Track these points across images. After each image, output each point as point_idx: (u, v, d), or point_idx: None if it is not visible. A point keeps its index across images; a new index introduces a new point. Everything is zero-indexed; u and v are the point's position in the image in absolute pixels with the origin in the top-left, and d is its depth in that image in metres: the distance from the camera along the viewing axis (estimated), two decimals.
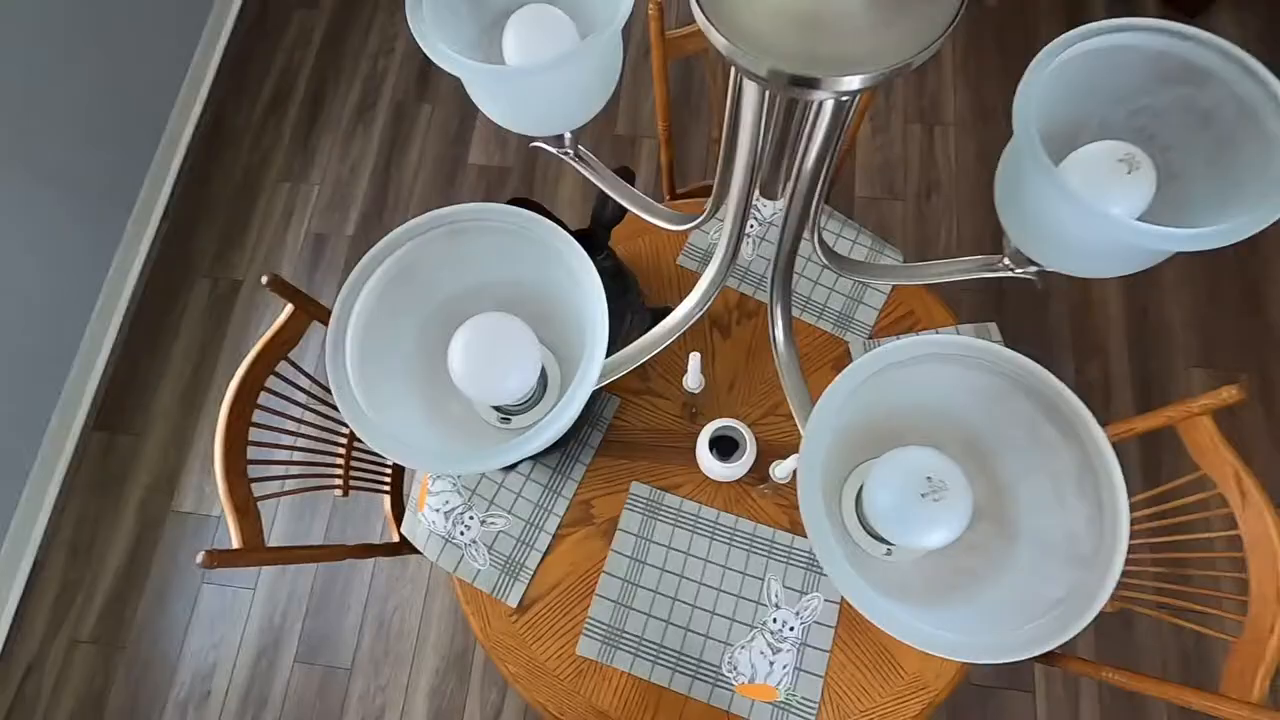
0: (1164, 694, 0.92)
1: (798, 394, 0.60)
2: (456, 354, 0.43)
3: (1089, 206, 0.32)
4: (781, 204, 1.30)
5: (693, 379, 1.00)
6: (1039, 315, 1.87)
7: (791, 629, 1.04)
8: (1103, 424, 0.39)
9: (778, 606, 1.05)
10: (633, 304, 1.09)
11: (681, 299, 1.26)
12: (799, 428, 0.56)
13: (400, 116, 2.22)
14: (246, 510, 0.95)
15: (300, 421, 1.12)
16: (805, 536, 1.09)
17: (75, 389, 1.91)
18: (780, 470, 0.96)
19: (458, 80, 0.50)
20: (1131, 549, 1.12)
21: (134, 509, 1.84)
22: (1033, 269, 0.51)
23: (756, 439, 1.05)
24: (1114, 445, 0.38)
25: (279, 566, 1.77)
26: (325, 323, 1.12)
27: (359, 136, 2.21)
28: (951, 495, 0.40)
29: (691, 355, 0.91)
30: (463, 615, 1.69)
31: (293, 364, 1.11)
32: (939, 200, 2.00)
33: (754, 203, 1.32)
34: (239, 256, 2.09)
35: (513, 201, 1.00)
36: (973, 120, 2.08)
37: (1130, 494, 0.41)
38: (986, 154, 2.04)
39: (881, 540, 0.50)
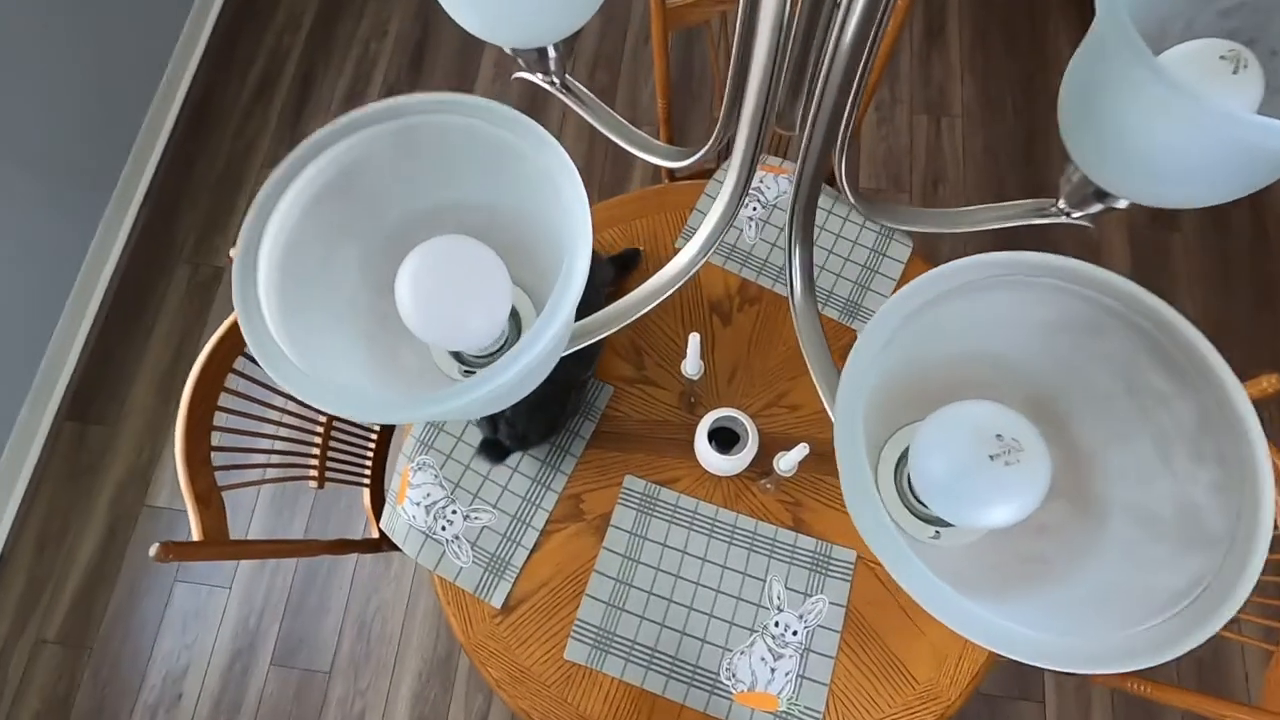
0: (1198, 707, 0.85)
1: (818, 356, 0.53)
2: (405, 285, 0.35)
3: (1202, 100, 0.25)
4: (786, 182, 1.24)
5: (691, 364, 0.93)
6: None
7: (794, 633, 0.97)
8: None
9: (780, 609, 0.99)
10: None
11: (682, 287, 1.20)
12: (821, 395, 0.49)
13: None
14: (209, 501, 0.88)
15: (270, 407, 1.05)
16: (810, 535, 1.02)
17: (48, 378, 1.84)
18: (785, 462, 0.90)
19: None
20: None
21: (106, 503, 1.76)
22: (1094, 209, 0.44)
23: (759, 431, 0.99)
24: None
25: (256, 564, 1.69)
26: None
27: None
28: (1028, 457, 0.32)
29: (691, 337, 0.84)
30: (450, 628, 1.62)
31: None
32: (946, 192, 1.94)
33: (761, 183, 1.26)
34: (221, 243, 2.02)
35: None
36: (980, 112, 2.02)
37: None
38: (995, 146, 1.98)
39: (929, 521, 0.43)
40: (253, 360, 1.04)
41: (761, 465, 1.05)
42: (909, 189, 1.95)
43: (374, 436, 1.28)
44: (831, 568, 1.00)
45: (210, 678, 1.62)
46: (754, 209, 1.21)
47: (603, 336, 0.51)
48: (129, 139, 2.04)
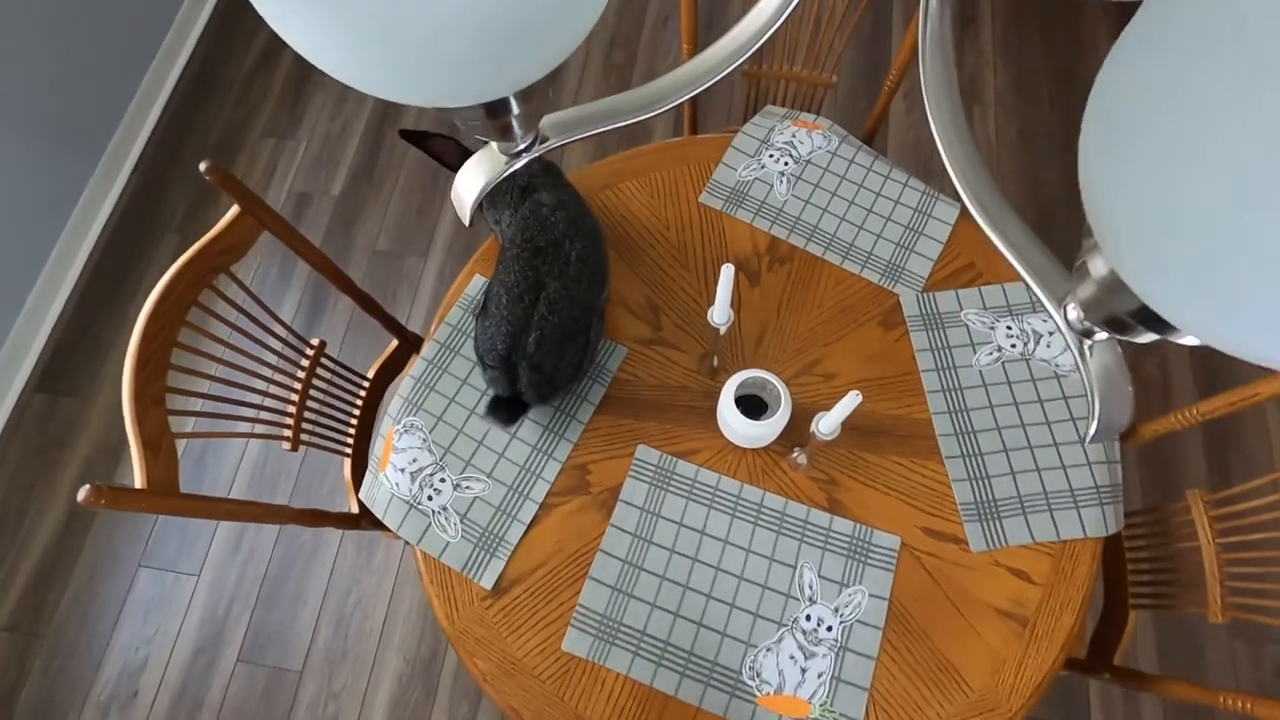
0: None
1: (940, 84, 0.38)
2: None
3: None
4: (821, 138, 1.13)
5: (720, 310, 0.82)
6: None
7: (829, 629, 0.84)
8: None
9: (812, 601, 0.86)
10: (586, 230, 0.91)
11: (704, 242, 1.09)
12: (933, 130, 0.37)
13: None
14: (157, 446, 0.76)
15: (243, 354, 0.94)
16: (847, 517, 0.90)
17: (19, 345, 1.72)
18: (825, 422, 0.78)
19: None
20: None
21: (71, 479, 1.64)
22: (1138, 337, 0.29)
23: (792, 397, 0.87)
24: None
25: (228, 550, 1.56)
26: (279, 232, 0.94)
27: (353, 96, 2.05)
28: None
29: (724, 270, 0.73)
30: (434, 615, 1.48)
31: (237, 281, 0.92)
32: None
33: (794, 138, 1.15)
34: (213, 213, 1.92)
35: (401, 134, 0.86)
36: (1014, 100, 1.93)
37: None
38: (1029, 133, 1.88)
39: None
40: (225, 298, 0.93)
41: (792, 437, 0.93)
42: (939, 176, 1.84)
43: (359, 401, 1.16)
44: (872, 555, 0.88)
45: (171, 673, 1.48)
46: (785, 164, 1.11)
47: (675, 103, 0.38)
48: (124, 103, 1.94)
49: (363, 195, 1.92)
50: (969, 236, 1.06)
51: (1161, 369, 1.63)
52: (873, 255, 1.05)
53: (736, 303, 1.02)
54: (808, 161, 1.11)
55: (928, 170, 1.86)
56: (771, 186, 1.09)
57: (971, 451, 0.92)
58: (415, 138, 0.89)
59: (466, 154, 0.93)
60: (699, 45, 2.08)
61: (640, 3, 2.13)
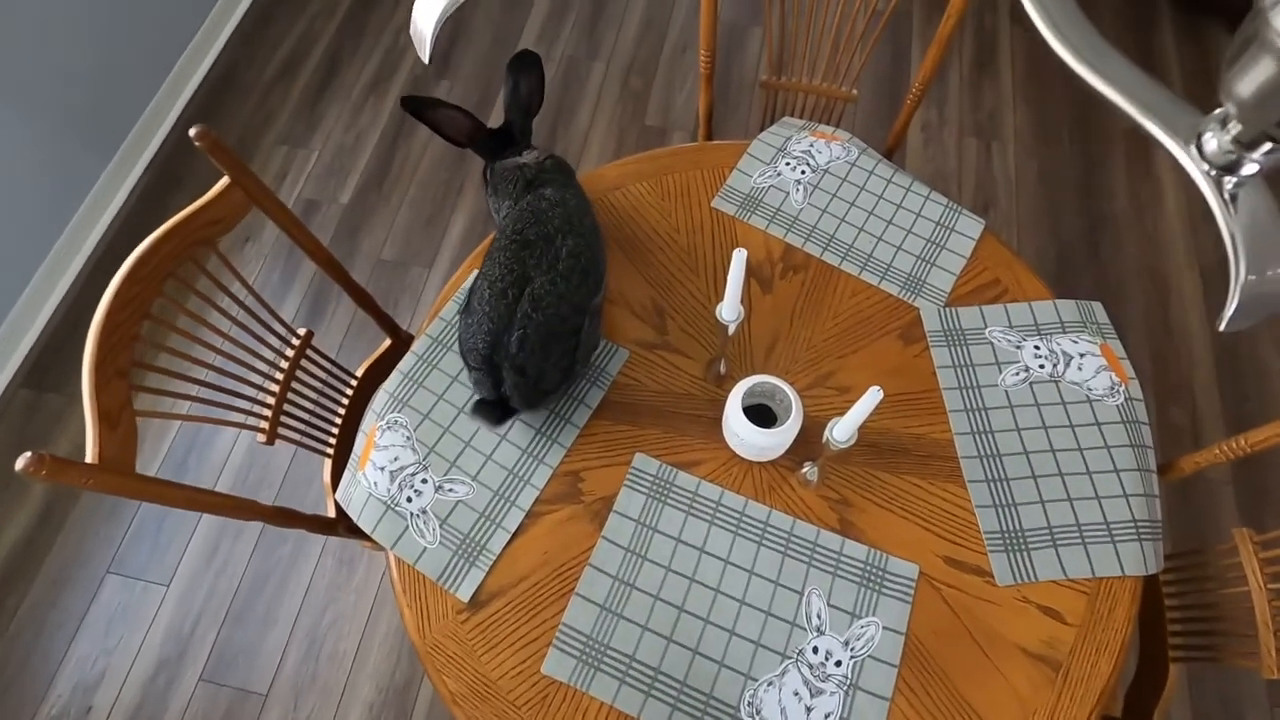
0: None
1: None
2: None
3: None
4: (840, 149, 1.09)
5: (729, 306, 0.76)
6: None
7: (838, 664, 0.76)
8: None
9: (820, 632, 0.78)
10: (578, 228, 0.85)
11: (715, 247, 1.04)
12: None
13: (416, 90, 2.08)
14: (115, 421, 0.70)
15: (221, 334, 0.88)
16: (860, 541, 0.82)
17: (9, 339, 1.68)
18: (840, 429, 0.71)
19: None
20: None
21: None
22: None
23: (805, 407, 0.81)
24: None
25: (201, 560, 1.48)
26: (268, 207, 0.89)
27: (369, 107, 2.06)
28: None
29: (736, 253, 0.67)
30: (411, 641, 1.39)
31: (222, 258, 0.88)
32: (996, 216, 1.80)
33: (811, 147, 1.12)
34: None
35: (404, 101, 0.83)
36: (1034, 140, 1.91)
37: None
38: (1050, 174, 1.85)
39: None
40: (209, 274, 0.88)
41: (802, 451, 0.86)
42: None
43: (345, 400, 1.10)
44: (887, 584, 0.80)
45: (128, 690, 1.38)
46: (802, 172, 1.07)
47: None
48: (143, 102, 1.95)
49: (371, 205, 1.90)
50: (994, 252, 1.01)
51: (1191, 417, 1.55)
52: (892, 267, 1.00)
53: (747, 310, 0.96)
54: (825, 171, 1.07)
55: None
56: (787, 194, 1.05)
57: (997, 476, 0.85)
58: (419, 105, 0.84)
59: (477, 128, 0.89)
60: (715, 75, 2.08)
61: (660, 31, 2.14)
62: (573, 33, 2.16)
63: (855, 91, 1.22)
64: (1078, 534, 0.81)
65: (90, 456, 0.67)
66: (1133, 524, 0.82)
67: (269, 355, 1.28)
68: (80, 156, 1.80)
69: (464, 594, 0.80)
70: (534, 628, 0.79)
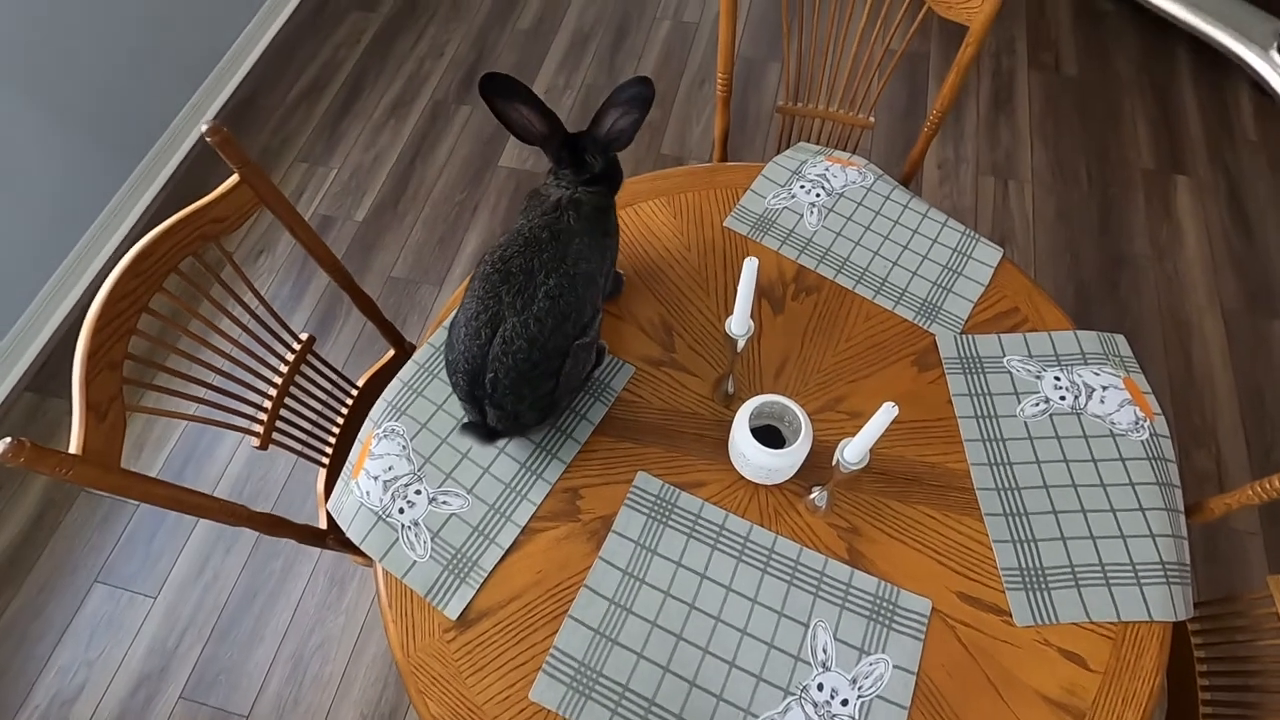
0: None
1: None
2: None
3: None
4: (855, 174, 1.08)
5: (739, 319, 0.74)
6: None
7: (844, 703, 0.71)
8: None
9: (825, 667, 0.73)
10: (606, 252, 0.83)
11: (726, 266, 1.02)
12: None
13: (436, 115, 2.11)
14: (103, 413, 0.68)
15: (221, 333, 0.87)
16: (870, 573, 0.78)
17: (19, 342, 1.68)
18: (851, 449, 0.68)
19: None
20: None
21: (44, 482, 1.55)
22: None
23: (814, 430, 0.78)
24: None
25: (191, 573, 1.45)
26: (276, 208, 0.89)
27: (389, 129, 2.09)
28: None
29: (747, 262, 0.65)
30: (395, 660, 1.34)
31: (228, 258, 0.87)
32: (1013, 253, 1.78)
33: (827, 171, 1.11)
34: (236, 231, 1.91)
35: (486, 78, 0.75)
36: (1052, 180, 1.90)
37: None
38: (1068, 213, 1.84)
39: None
40: (212, 271, 0.87)
41: (810, 477, 0.83)
42: None
43: (344, 410, 1.08)
44: (898, 619, 0.75)
45: (106, 704, 1.34)
46: (817, 195, 1.05)
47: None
48: (169, 117, 1.99)
49: (385, 223, 1.91)
50: (1013, 280, 0.98)
51: (1216, 462, 1.50)
52: (907, 292, 0.97)
53: (757, 330, 0.94)
54: (841, 195, 1.06)
55: None
56: (801, 216, 1.04)
57: (1015, 510, 0.81)
58: (499, 89, 0.76)
59: (550, 134, 0.80)
60: (733, 106, 2.10)
61: (679, 63, 2.17)
62: (593, 63, 2.19)
63: (872, 119, 1.22)
64: (1101, 574, 0.77)
65: (74, 447, 0.65)
66: (1160, 566, 0.77)
67: (269, 358, 1.27)
68: (103, 166, 1.83)
69: (452, 611, 0.77)
70: (524, 650, 0.75)
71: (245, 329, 0.90)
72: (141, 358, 0.76)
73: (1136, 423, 0.86)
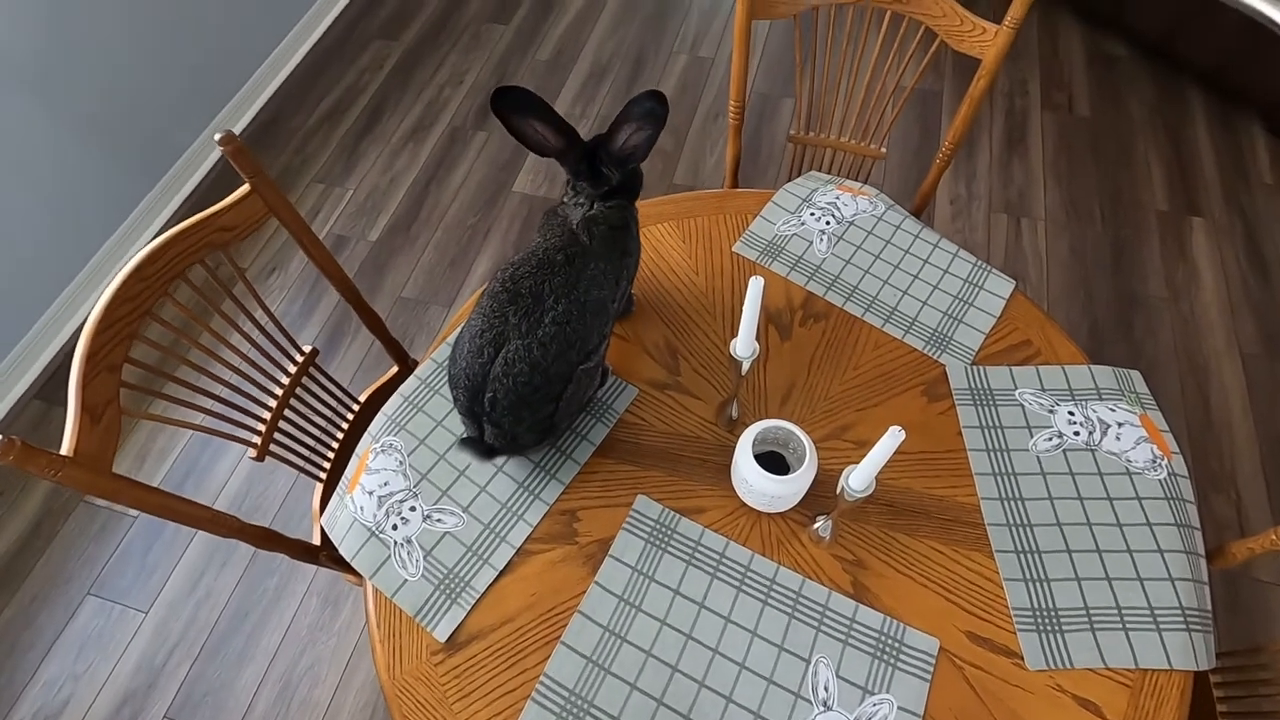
0: None
1: None
2: None
3: None
4: (866, 203, 1.08)
5: (744, 341, 0.73)
6: None
7: None
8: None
9: (827, 706, 0.70)
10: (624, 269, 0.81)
11: (734, 290, 1.01)
12: None
13: (454, 140, 2.14)
14: (98, 415, 0.67)
15: (223, 341, 0.87)
16: (875, 609, 0.75)
17: (29, 351, 1.69)
18: (856, 476, 0.66)
19: None
20: None
21: (43, 491, 1.55)
22: None
23: (819, 457, 0.76)
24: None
25: (184, 589, 1.43)
26: (288, 221, 0.89)
27: (406, 153, 2.12)
28: None
29: (752, 281, 0.64)
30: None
31: (236, 269, 0.87)
32: (1026, 290, 1.76)
33: (837, 200, 1.10)
34: (250, 246, 1.94)
35: (497, 92, 0.74)
36: (1065, 218, 1.89)
37: None
38: (1081, 250, 1.82)
39: None
40: (218, 279, 0.87)
41: (814, 506, 0.81)
42: None
43: (344, 425, 1.07)
44: (904, 658, 0.72)
45: None
46: (827, 223, 1.05)
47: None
48: (191, 136, 2.03)
49: (398, 244, 1.93)
50: (1025, 313, 0.96)
51: (1236, 509, 1.45)
52: (917, 322, 0.96)
53: (764, 355, 0.93)
54: (851, 223, 1.05)
55: None
56: (811, 243, 1.03)
57: (1028, 547, 0.78)
58: (511, 104, 0.74)
59: (566, 149, 0.78)
60: (746, 138, 2.12)
61: (694, 96, 2.20)
62: (609, 94, 2.22)
63: (884, 149, 1.22)
64: (1118, 618, 0.74)
65: (66, 449, 0.64)
66: (1180, 612, 0.74)
67: (272, 369, 1.26)
68: (124, 181, 1.87)
69: (441, 633, 0.74)
70: (513, 676, 0.72)
71: (250, 339, 0.90)
72: (143, 363, 0.76)
73: (1154, 461, 0.83)
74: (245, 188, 0.82)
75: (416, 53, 2.37)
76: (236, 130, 2.16)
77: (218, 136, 0.76)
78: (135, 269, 0.73)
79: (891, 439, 0.57)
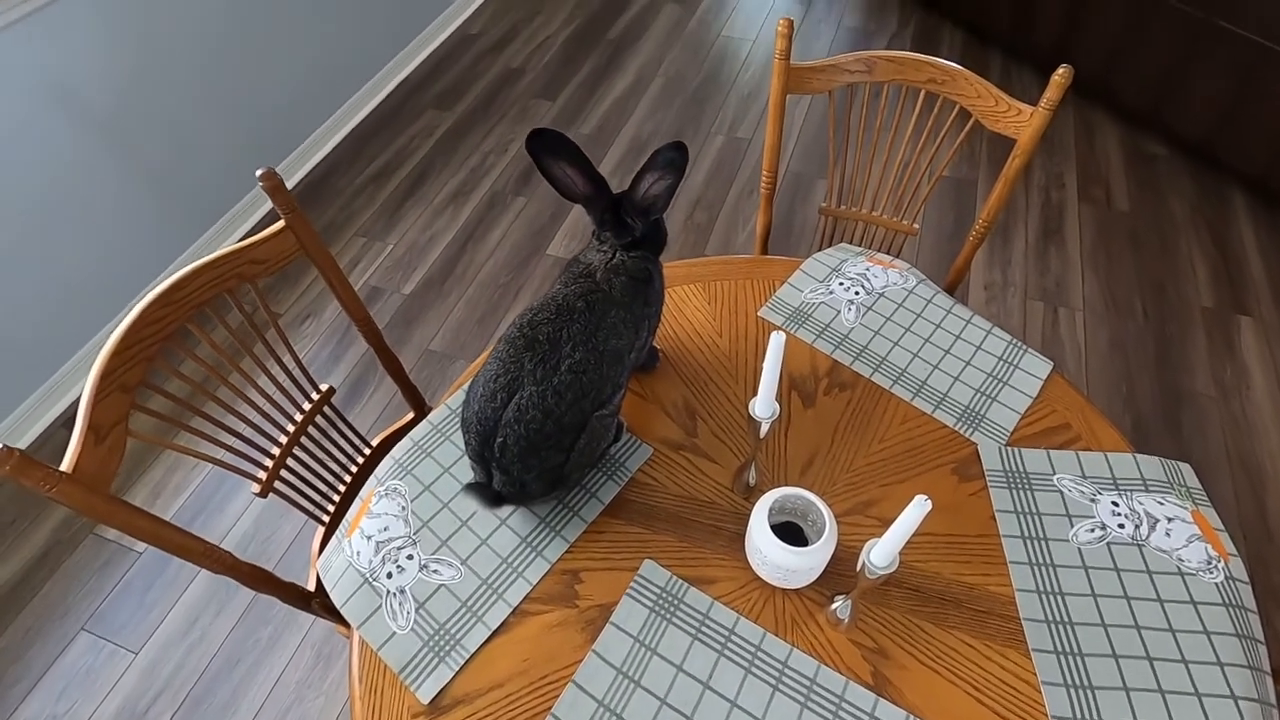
0: None
1: None
2: None
3: None
4: (897, 275, 1.06)
5: (763, 401, 0.70)
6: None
7: None
8: None
9: None
10: (646, 318, 0.81)
11: (758, 355, 0.99)
12: None
13: (493, 204, 2.21)
14: (104, 434, 0.66)
15: (241, 372, 0.87)
16: (896, 704, 0.68)
17: (65, 380, 1.74)
18: (879, 552, 0.61)
19: None
20: None
21: (55, 522, 1.54)
22: None
23: (840, 532, 0.71)
24: None
25: (178, 633, 1.38)
26: (316, 258, 0.90)
27: (447, 214, 2.19)
28: None
29: (773, 337, 0.62)
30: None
31: (260, 299, 0.88)
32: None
33: (867, 271, 1.09)
34: (287, 293, 1.99)
35: (533, 134, 0.74)
36: (1104, 310, 1.84)
37: None
38: (1123, 344, 1.77)
39: None
40: (244, 311, 0.88)
41: (833, 584, 0.75)
42: None
43: (354, 468, 1.05)
44: None
45: None
46: (856, 293, 1.03)
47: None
48: (243, 189, 2.13)
49: (430, 299, 1.96)
50: (1064, 395, 0.92)
51: None
52: (948, 397, 0.92)
53: (785, 421, 0.89)
54: (881, 294, 1.03)
55: None
56: (839, 312, 1.01)
57: (1069, 649, 0.71)
58: (545, 146, 0.75)
59: (594, 196, 0.78)
60: (779, 215, 2.14)
61: (729, 173, 2.25)
62: None
63: (917, 225, 1.21)
64: None
65: (65, 465, 0.63)
66: None
67: (287, 405, 1.26)
68: (173, 230, 1.95)
69: (425, 694, 0.70)
70: None
71: (271, 376, 0.90)
72: (158, 388, 0.76)
73: (1209, 562, 0.76)
74: (279, 224, 0.84)
75: (467, 122, 2.49)
76: (289, 185, 2.27)
77: (259, 172, 0.79)
78: (162, 293, 0.74)
79: (917, 509, 0.53)
